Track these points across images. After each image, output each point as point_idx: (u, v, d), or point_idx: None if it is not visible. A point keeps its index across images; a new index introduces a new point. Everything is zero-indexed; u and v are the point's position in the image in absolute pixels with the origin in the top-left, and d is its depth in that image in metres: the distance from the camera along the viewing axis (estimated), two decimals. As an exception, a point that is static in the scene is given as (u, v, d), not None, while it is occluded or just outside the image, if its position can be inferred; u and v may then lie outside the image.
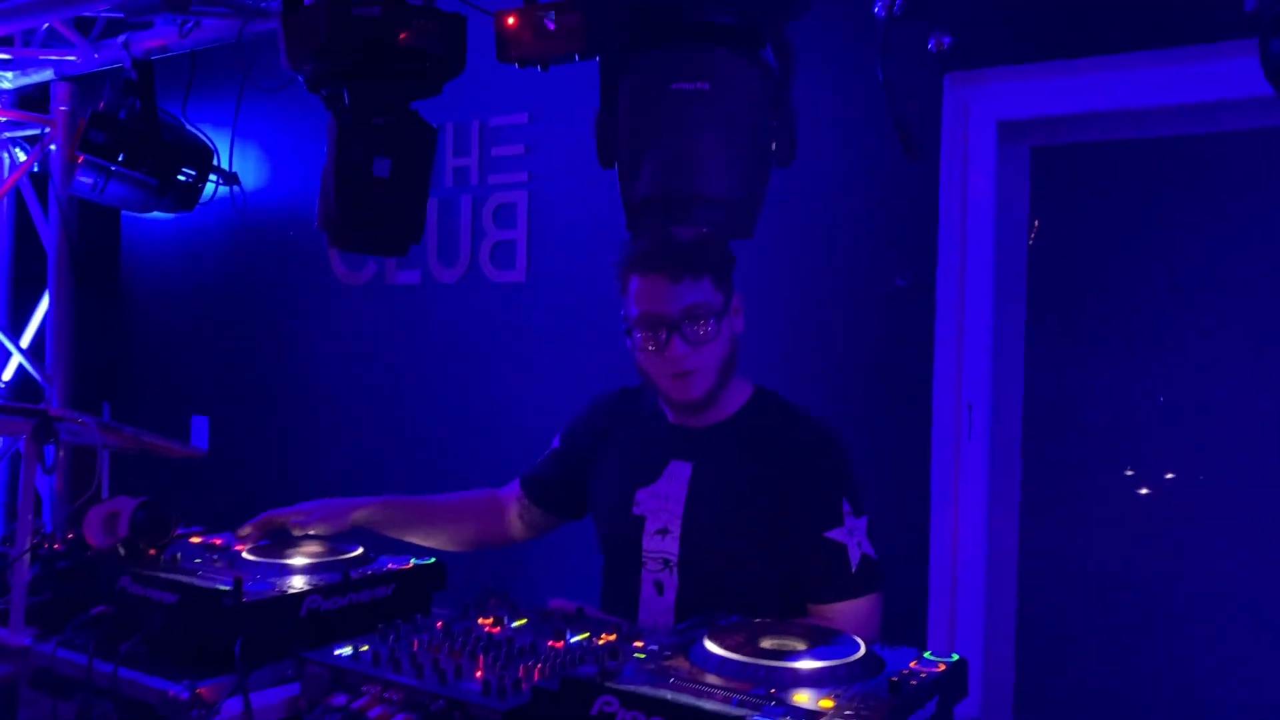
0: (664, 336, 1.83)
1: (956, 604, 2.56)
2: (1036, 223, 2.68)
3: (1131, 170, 2.65)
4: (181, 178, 3.44)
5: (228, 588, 1.59)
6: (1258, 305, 2.47)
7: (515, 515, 2.19)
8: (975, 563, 2.57)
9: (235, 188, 3.74)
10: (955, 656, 1.37)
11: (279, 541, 1.95)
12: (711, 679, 1.23)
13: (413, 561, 1.87)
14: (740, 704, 1.13)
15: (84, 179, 3.29)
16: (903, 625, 2.49)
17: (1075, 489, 2.65)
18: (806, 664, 1.26)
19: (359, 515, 2.06)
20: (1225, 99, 2.24)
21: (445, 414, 3.49)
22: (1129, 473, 2.69)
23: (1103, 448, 2.64)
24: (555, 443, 2.18)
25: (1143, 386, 2.60)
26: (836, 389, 2.68)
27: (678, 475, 1.92)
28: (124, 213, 4.30)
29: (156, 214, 3.79)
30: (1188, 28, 2.25)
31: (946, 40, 2.47)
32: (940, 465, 2.57)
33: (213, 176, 3.68)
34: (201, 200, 3.68)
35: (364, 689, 1.38)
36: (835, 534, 1.81)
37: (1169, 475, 2.65)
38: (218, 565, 1.79)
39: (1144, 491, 2.66)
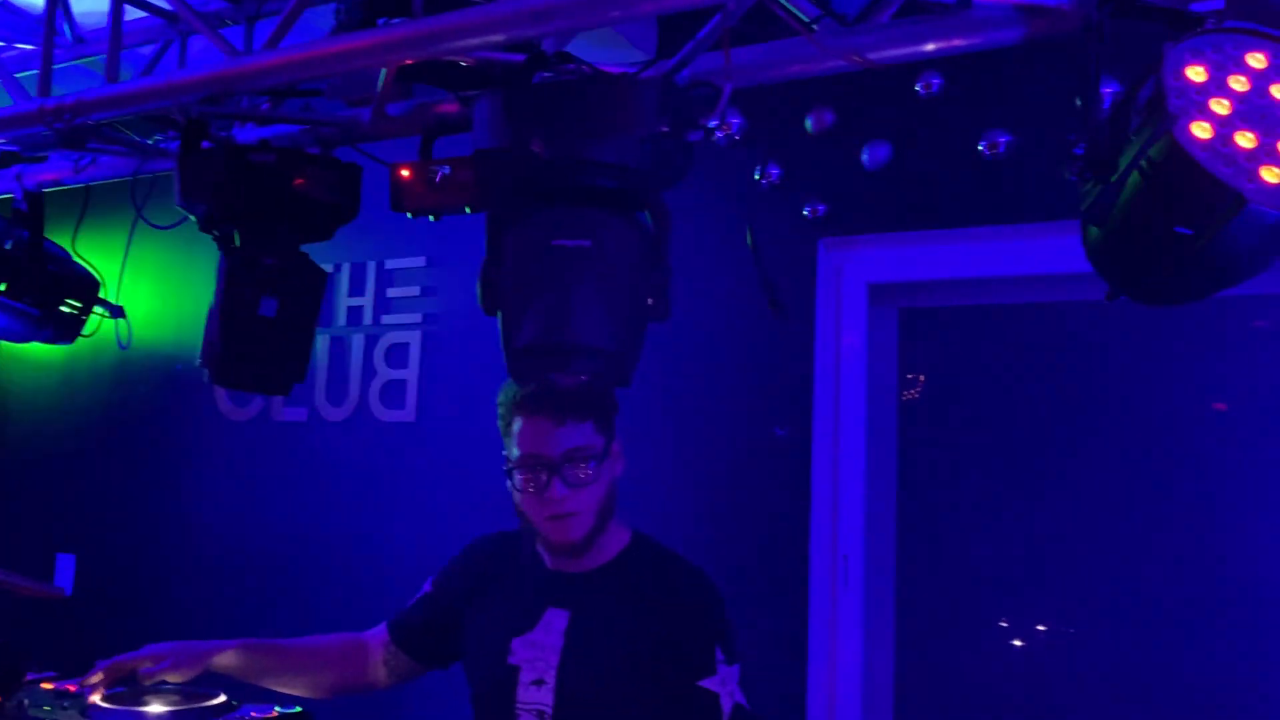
0: (544, 478, 1.86)
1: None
2: (921, 378, 2.83)
3: (990, 332, 2.83)
4: (65, 309, 3.38)
5: (75, 742, 1.52)
6: (1114, 453, 2.62)
7: (379, 662, 2.13)
8: (851, 709, 2.59)
9: (120, 320, 3.69)
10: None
11: (136, 688, 1.86)
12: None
13: (277, 710, 1.81)
14: None
15: (-37, 307, 3.21)
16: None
17: (948, 637, 2.72)
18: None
19: (215, 660, 1.97)
20: (1069, 273, 2.44)
21: (329, 554, 3.42)
22: (1002, 623, 2.77)
23: (974, 596, 2.72)
24: (427, 586, 2.15)
25: (1011, 534, 2.71)
26: (717, 535, 2.73)
27: (554, 624, 1.91)
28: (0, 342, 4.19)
29: (36, 344, 3.70)
30: (1040, 206, 2.46)
31: (821, 208, 2.65)
32: (817, 613, 2.62)
33: (98, 309, 3.62)
34: (85, 333, 3.61)
35: (213, 847, 1.32)
36: (708, 683, 1.82)
37: (1040, 626, 2.74)
38: (67, 714, 1.70)
39: (1017, 643, 2.74)
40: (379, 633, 2.15)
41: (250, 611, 3.50)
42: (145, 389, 3.89)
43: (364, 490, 3.38)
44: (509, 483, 1.94)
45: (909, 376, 2.85)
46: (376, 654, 2.13)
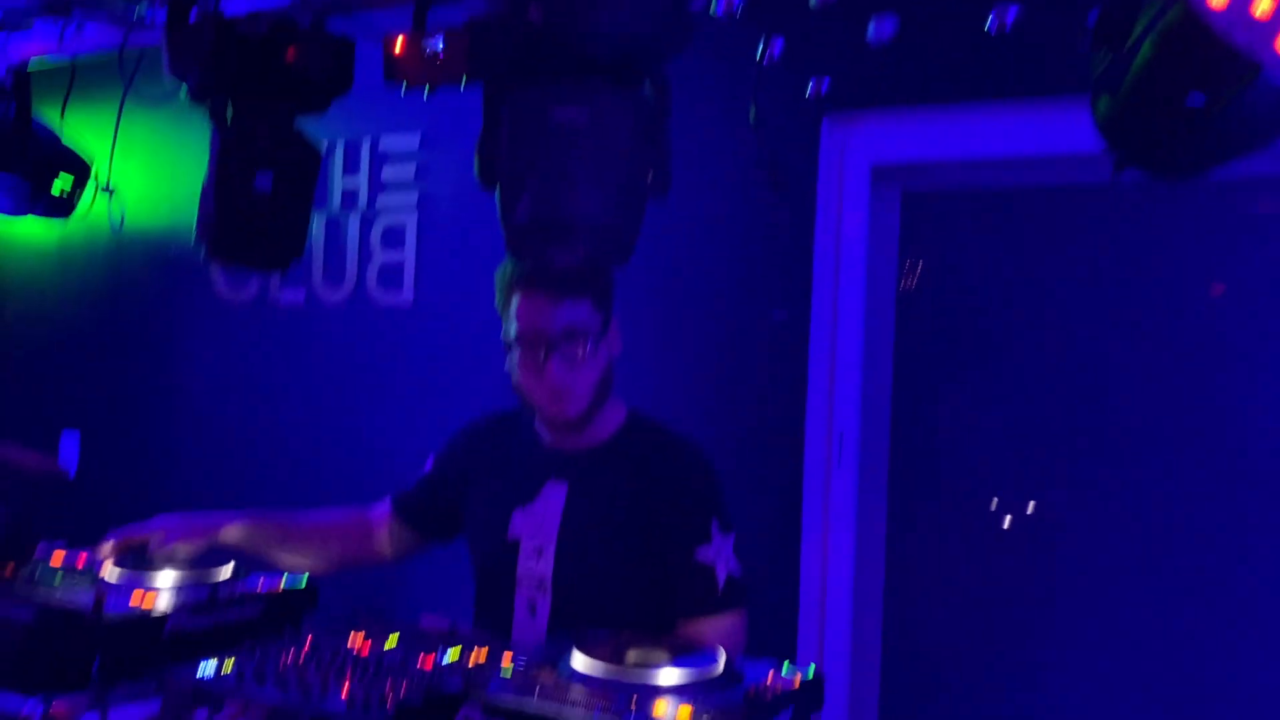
0: (542, 355, 1.87)
1: (825, 620, 2.65)
2: (920, 263, 2.81)
3: (991, 217, 2.81)
4: (55, 188, 3.35)
5: (88, 606, 1.55)
6: (1112, 343, 2.63)
7: (384, 536, 2.19)
8: (843, 582, 2.66)
9: (113, 199, 3.65)
10: (812, 671, 1.43)
11: (144, 559, 1.90)
12: (576, 691, 1.27)
13: (284, 581, 1.85)
14: (601, 713, 1.16)
15: (-48, 183, 3.17)
16: (773, 640, 2.57)
17: (939, 515, 2.78)
18: (666, 675, 1.31)
19: (223, 534, 2.02)
20: (1076, 153, 2.40)
21: (326, 435, 3.45)
22: (993, 501, 2.83)
23: (965, 476, 2.77)
24: (428, 465, 2.19)
25: (1003, 418, 2.74)
26: (713, 414, 2.76)
27: (553, 497, 1.96)
28: (-6, 220, 4.15)
29: (30, 221, 3.67)
30: (1050, 80, 2.40)
31: (825, 83, 2.58)
32: (811, 491, 2.66)
33: (90, 186, 3.58)
34: (77, 213, 3.58)
35: (226, 705, 1.36)
36: (703, 553, 1.87)
37: (1031, 502, 2.79)
38: (79, 583, 1.74)
39: (1006, 518, 2.80)
40: (383, 508, 2.20)
41: (250, 491, 3.55)
42: (141, 271, 3.87)
43: (363, 372, 3.39)
44: (507, 360, 1.95)
45: (908, 263, 2.83)
46: (381, 529, 2.18)
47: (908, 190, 2.80)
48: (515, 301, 1.90)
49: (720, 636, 1.81)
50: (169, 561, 1.88)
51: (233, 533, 2.04)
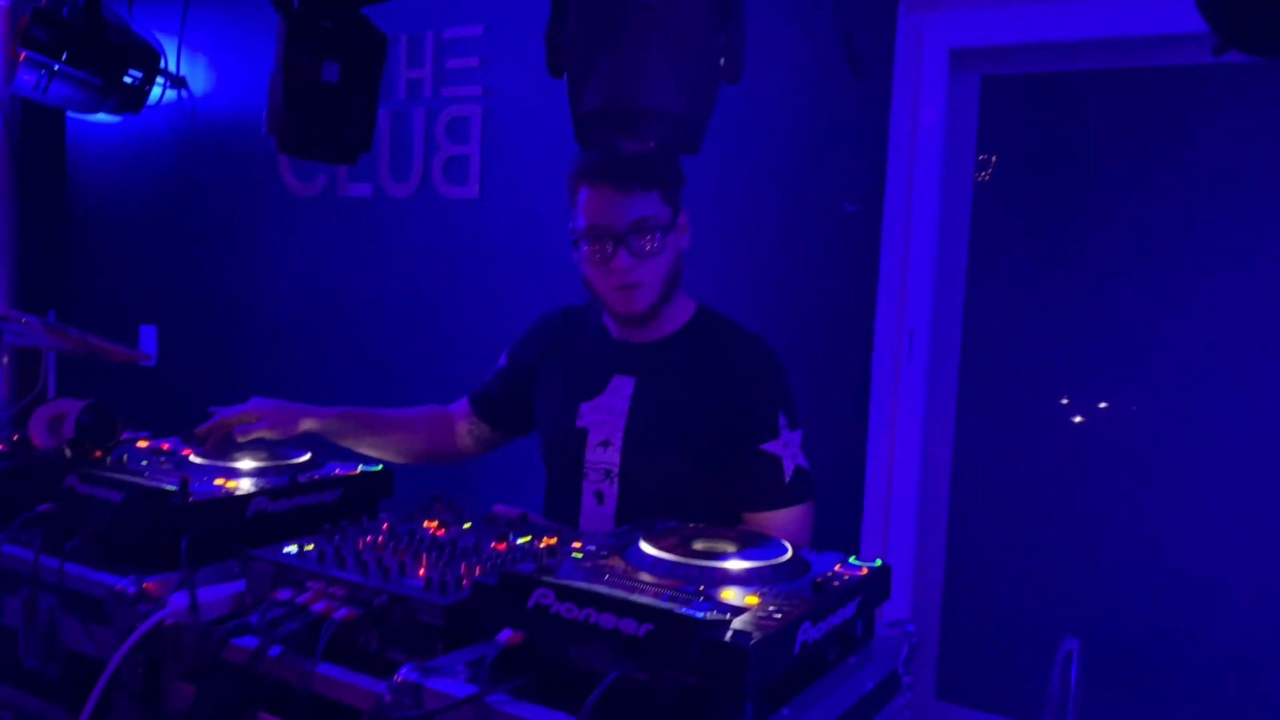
0: (610, 249, 1.85)
1: (890, 517, 2.66)
2: (993, 158, 2.72)
3: (1081, 102, 2.69)
4: (127, 79, 3.37)
5: (174, 488, 1.61)
6: (1202, 242, 2.53)
7: (464, 431, 2.23)
8: (909, 479, 2.66)
9: (183, 91, 3.66)
10: (879, 562, 1.44)
11: (227, 445, 1.96)
12: (644, 577, 1.29)
13: (360, 468, 1.90)
14: (669, 599, 1.18)
15: (26, 77, 3.21)
16: (838, 536, 2.59)
17: (1008, 414, 2.74)
18: (735, 564, 1.32)
19: (309, 423, 2.07)
20: (1175, 33, 2.28)
21: (395, 329, 3.51)
22: (1063, 401, 2.77)
23: (1038, 376, 2.72)
24: (502, 360, 2.21)
25: (1079, 318, 2.66)
26: (782, 309, 2.73)
27: (621, 389, 1.97)
28: (69, 116, 4.20)
29: (102, 116, 3.70)
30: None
31: (902, -36, 2.47)
32: (880, 388, 2.64)
33: (160, 79, 3.60)
34: (149, 104, 3.60)
35: (308, 584, 1.41)
36: (771, 446, 1.87)
37: (1102, 404, 2.74)
38: (165, 467, 1.80)
39: (1077, 419, 2.75)
40: (461, 405, 2.24)
41: (321, 382, 3.64)
42: (212, 164, 3.91)
43: (430, 266, 3.42)
44: (575, 253, 1.94)
45: (981, 158, 2.73)
46: (461, 424, 2.22)
47: (987, 75, 2.69)
48: (583, 194, 1.88)
49: (786, 529, 1.83)
50: (251, 447, 1.94)
51: (321, 423, 2.09)
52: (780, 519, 1.86)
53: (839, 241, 2.66)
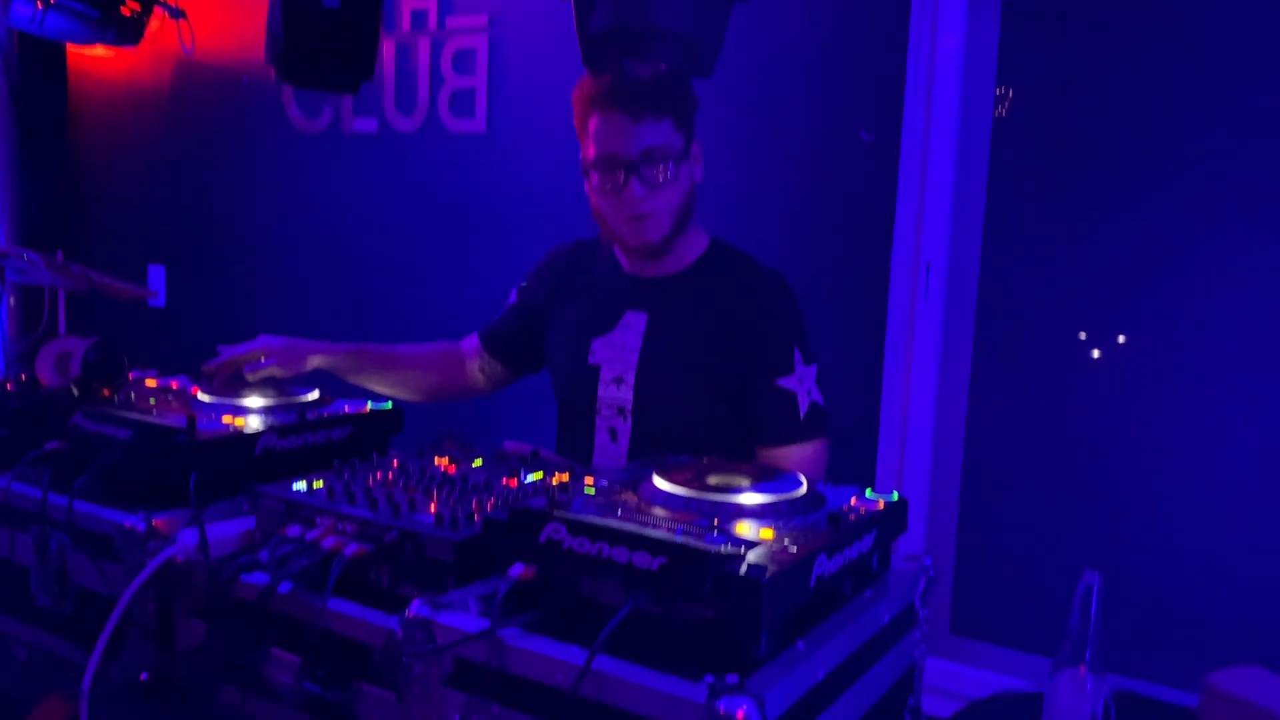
0: (622, 178, 1.81)
1: (905, 449, 2.64)
2: (1010, 91, 2.64)
3: (1104, 30, 2.60)
4: (124, 10, 3.30)
5: (181, 426, 1.59)
6: (1226, 173, 2.46)
7: (475, 368, 2.20)
8: (924, 412, 2.63)
9: (183, 22, 3.59)
10: (895, 495, 1.42)
11: (235, 383, 1.95)
12: (658, 511, 1.26)
13: (370, 405, 1.88)
14: (683, 533, 1.16)
15: (21, 9, 3.15)
16: (853, 469, 2.57)
17: (1026, 349, 2.69)
18: (749, 498, 1.30)
19: (318, 360, 2.05)
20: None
21: (403, 266, 3.47)
22: (1081, 335, 2.73)
23: (1056, 310, 2.67)
24: (512, 297, 2.18)
25: (1099, 250, 2.61)
26: (796, 240, 2.68)
27: (633, 325, 1.93)
28: (70, 52, 4.13)
29: (100, 50, 3.64)
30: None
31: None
32: (896, 321, 2.60)
33: (158, 8, 3.52)
34: (146, 39, 3.54)
35: (318, 520, 1.40)
36: (786, 382, 1.84)
37: (1120, 337, 2.69)
38: (172, 405, 1.79)
39: (1095, 352, 2.71)
40: (471, 341, 2.21)
41: (328, 320, 3.61)
42: (213, 100, 3.85)
43: (437, 201, 3.37)
44: (586, 183, 1.89)
45: (1000, 91, 2.66)
46: (472, 361, 2.19)
47: (1007, 1, 2.61)
48: (593, 122, 1.83)
49: (801, 464, 1.81)
50: (260, 385, 1.92)
51: (331, 359, 2.06)
52: (795, 455, 1.84)
53: (855, 172, 2.60)
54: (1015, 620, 2.70)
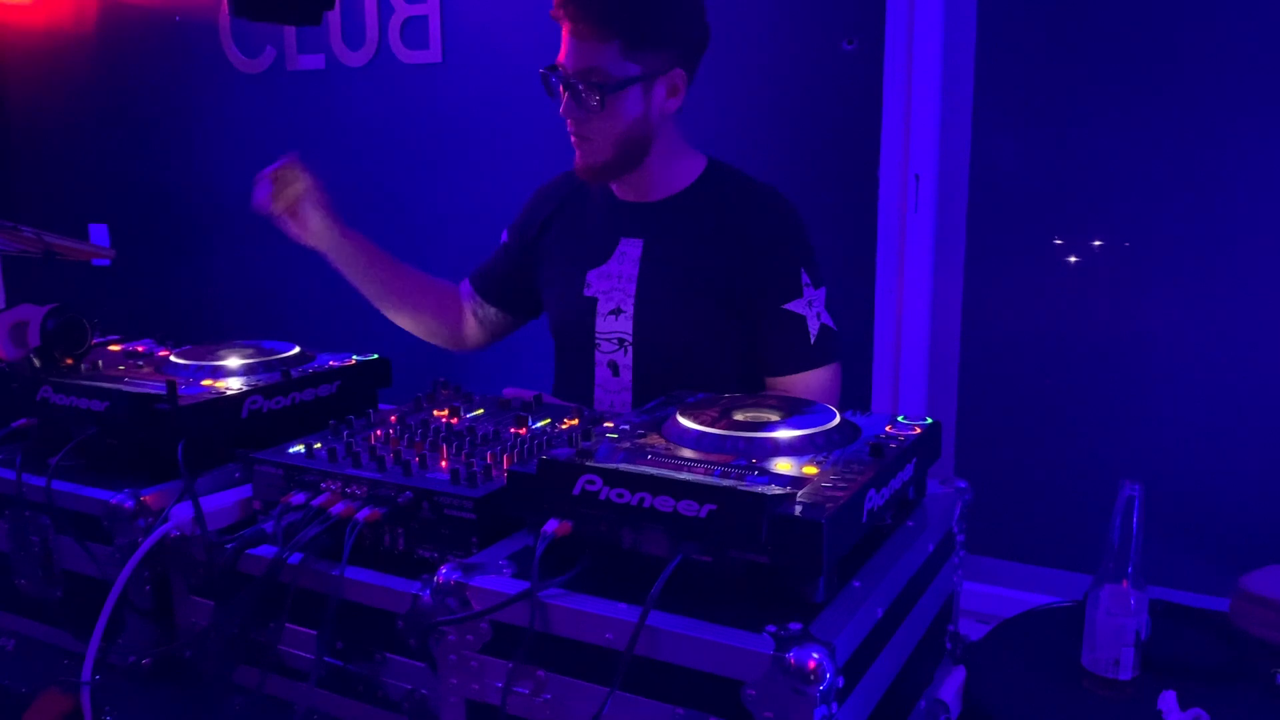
0: (560, 92, 1.71)
1: (900, 372, 2.59)
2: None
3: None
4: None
5: (160, 392, 1.48)
6: (1223, 65, 2.40)
7: (469, 313, 2.09)
8: (919, 332, 2.58)
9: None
10: (929, 420, 1.36)
11: (207, 345, 1.83)
12: (689, 453, 1.19)
13: (354, 358, 1.78)
14: (722, 475, 1.09)
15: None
16: (847, 392, 2.51)
17: (1020, 259, 2.64)
18: (784, 433, 1.23)
19: (328, 232, 1.89)
20: None
21: (361, 209, 3.32)
22: (1057, 241, 2.68)
23: (1049, 217, 2.61)
24: (504, 236, 2.06)
25: (1093, 154, 2.54)
26: (779, 156, 2.59)
27: (628, 253, 1.84)
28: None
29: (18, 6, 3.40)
30: None
31: None
32: (886, 235, 2.53)
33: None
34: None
35: (323, 485, 1.31)
36: (794, 305, 1.76)
37: (1096, 242, 2.65)
38: (144, 371, 1.67)
39: (1072, 259, 2.67)
40: (464, 287, 2.09)
41: (287, 270, 3.45)
42: (144, 42, 3.63)
43: (394, 138, 3.22)
44: None
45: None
46: (466, 306, 2.08)
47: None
48: (562, 30, 1.72)
49: (814, 391, 1.75)
50: (234, 346, 1.79)
51: (341, 235, 1.91)
52: (807, 381, 1.77)
53: (839, 83, 2.50)
54: (1025, 535, 2.70)
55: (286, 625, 1.27)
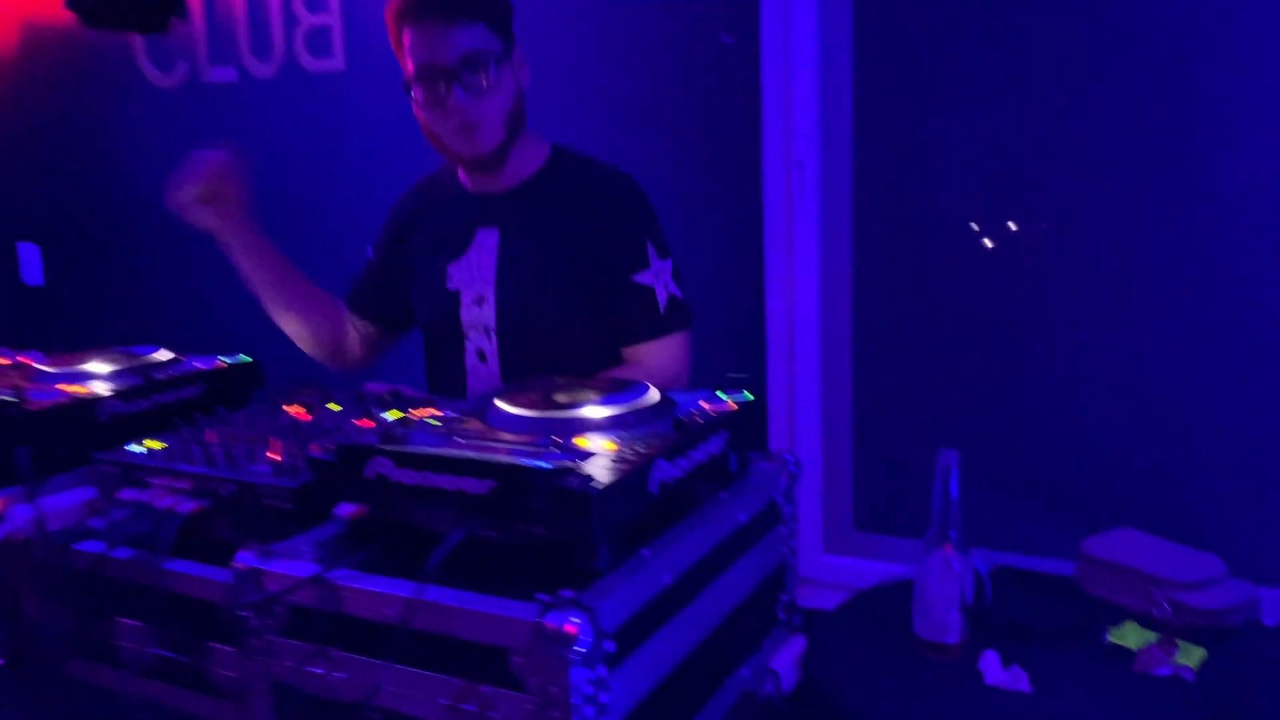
0: (444, 88, 1.75)
1: (795, 352, 2.62)
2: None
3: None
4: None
5: (11, 398, 1.51)
6: (1102, 52, 2.44)
7: (350, 329, 2.12)
8: (810, 314, 2.62)
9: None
10: (748, 396, 1.39)
11: (73, 351, 1.85)
12: (504, 436, 1.22)
13: (223, 360, 1.80)
14: (517, 453, 1.12)
15: None
16: (739, 368, 2.55)
17: (905, 243, 2.68)
18: (593, 411, 1.26)
19: (258, 239, 1.94)
20: None
21: (276, 212, 3.32)
22: (974, 226, 2.72)
23: (936, 201, 2.65)
24: (368, 253, 2.10)
25: (981, 137, 2.58)
26: (660, 148, 2.63)
27: (485, 243, 1.89)
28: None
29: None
30: None
31: None
32: (772, 223, 2.57)
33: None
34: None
35: (152, 481, 1.34)
36: (642, 277, 1.82)
37: (1010, 224, 2.69)
38: (10, 379, 1.69)
39: (987, 242, 2.70)
40: (341, 305, 2.12)
41: (209, 276, 3.46)
42: (61, 61, 3.64)
43: (304, 148, 3.25)
44: (412, 105, 1.83)
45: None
46: (347, 323, 2.11)
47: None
48: (407, 36, 1.77)
49: (665, 357, 1.81)
50: (101, 352, 1.81)
51: (244, 229, 1.94)
52: (658, 349, 1.84)
53: (718, 74, 2.54)
54: (917, 511, 2.73)
55: (117, 619, 1.30)
